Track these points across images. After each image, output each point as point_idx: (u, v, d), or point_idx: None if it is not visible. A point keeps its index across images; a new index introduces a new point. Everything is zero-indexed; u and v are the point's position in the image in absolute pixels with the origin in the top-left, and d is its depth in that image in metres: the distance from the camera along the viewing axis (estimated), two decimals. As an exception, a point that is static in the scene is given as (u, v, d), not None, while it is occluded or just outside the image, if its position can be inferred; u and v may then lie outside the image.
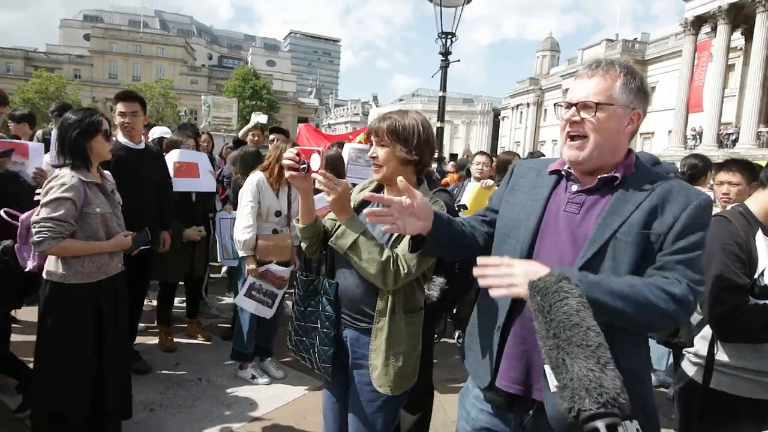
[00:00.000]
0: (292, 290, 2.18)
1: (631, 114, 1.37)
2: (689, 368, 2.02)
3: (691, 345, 1.98)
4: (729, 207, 2.10)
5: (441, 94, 8.57)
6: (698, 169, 4.01)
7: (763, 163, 3.25)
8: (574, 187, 1.45)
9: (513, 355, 1.44)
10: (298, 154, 1.72)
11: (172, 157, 4.17)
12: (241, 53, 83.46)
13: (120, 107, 3.48)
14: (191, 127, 6.94)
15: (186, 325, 4.58)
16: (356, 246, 1.73)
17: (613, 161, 1.40)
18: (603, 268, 1.31)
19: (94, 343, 2.44)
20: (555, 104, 1.53)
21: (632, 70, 1.39)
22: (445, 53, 8.10)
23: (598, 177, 1.40)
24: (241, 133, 5.87)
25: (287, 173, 1.75)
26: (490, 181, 4.64)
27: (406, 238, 1.85)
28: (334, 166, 3.63)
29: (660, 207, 1.32)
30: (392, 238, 1.83)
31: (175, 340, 4.27)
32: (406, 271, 1.74)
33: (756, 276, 1.83)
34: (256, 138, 5.64)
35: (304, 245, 1.98)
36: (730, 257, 1.84)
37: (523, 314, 1.42)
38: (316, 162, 1.71)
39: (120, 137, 3.48)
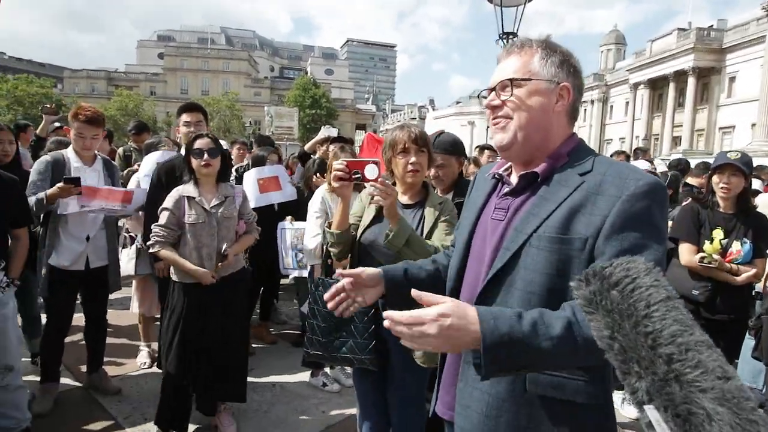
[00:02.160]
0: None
1: (558, 89, 1.22)
2: None
3: None
4: None
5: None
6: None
7: None
8: (505, 189, 1.30)
9: (448, 379, 1.36)
10: (347, 165, 1.93)
11: (253, 175, 4.34)
12: (300, 63, 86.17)
13: (185, 117, 3.49)
14: (266, 139, 7.03)
15: (255, 329, 4.66)
16: (410, 243, 1.97)
17: (545, 147, 1.24)
18: (516, 280, 1.16)
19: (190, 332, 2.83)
20: (478, 95, 1.39)
21: (551, 45, 1.26)
22: (508, 54, 7.97)
23: (519, 175, 1.25)
24: (308, 146, 5.88)
25: (335, 183, 1.96)
26: None
27: (438, 229, 2.12)
28: None
29: (586, 203, 1.12)
30: (425, 232, 2.11)
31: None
32: None
33: None
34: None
35: (335, 250, 2.17)
36: None
37: None
38: (373, 172, 1.92)
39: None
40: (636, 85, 41.08)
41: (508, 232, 1.21)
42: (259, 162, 4.50)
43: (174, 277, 2.86)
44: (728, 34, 34.31)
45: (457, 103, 68.94)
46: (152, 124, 41.37)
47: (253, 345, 4.40)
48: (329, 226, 2.17)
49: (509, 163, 1.34)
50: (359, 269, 1.39)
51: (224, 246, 2.84)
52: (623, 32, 53.19)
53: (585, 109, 49.54)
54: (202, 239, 2.79)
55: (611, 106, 47.00)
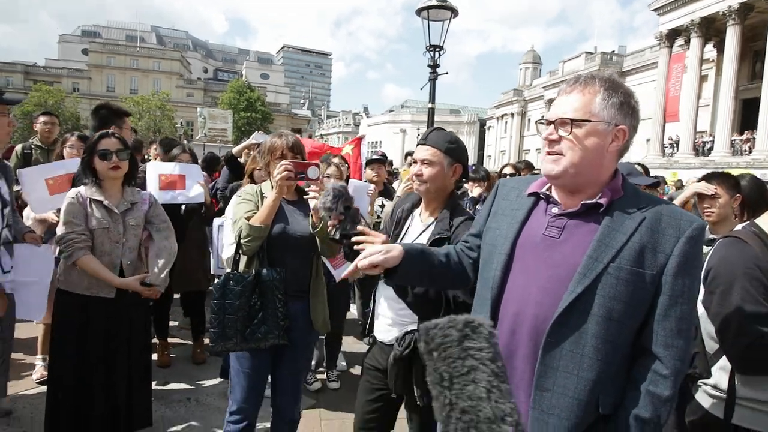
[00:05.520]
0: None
1: (614, 130, 1.29)
2: (705, 400, 1.89)
3: (709, 376, 1.87)
4: (740, 227, 1.97)
5: (430, 105, 8.58)
6: None
7: (738, 172, 3.22)
8: (555, 210, 1.37)
9: None
10: (294, 165, 2.21)
11: (156, 170, 3.95)
12: (235, 66, 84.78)
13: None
14: (172, 141, 6.40)
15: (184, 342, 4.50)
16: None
17: (596, 181, 1.32)
18: (593, 304, 1.25)
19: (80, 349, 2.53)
20: (536, 122, 1.47)
21: (614, 85, 1.31)
22: (434, 66, 8.10)
23: (581, 203, 1.32)
24: (235, 150, 5.11)
25: (282, 180, 2.18)
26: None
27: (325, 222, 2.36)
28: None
29: (651, 241, 1.25)
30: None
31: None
32: None
33: None
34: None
35: (253, 243, 2.25)
36: (754, 283, 1.70)
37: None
38: (315, 173, 2.24)
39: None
40: (550, 101, 44.24)
41: (571, 255, 1.29)
42: (171, 161, 4.29)
43: (64, 287, 2.51)
44: (627, 59, 38.13)
45: (390, 111, 70.36)
46: (75, 122, 39.55)
47: (172, 356, 4.21)
48: (248, 219, 2.26)
49: (548, 183, 1.42)
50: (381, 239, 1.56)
51: (147, 275, 2.62)
52: (541, 52, 57.64)
53: (506, 122, 53.01)
54: (104, 247, 2.49)
55: (528, 119, 50.39)
